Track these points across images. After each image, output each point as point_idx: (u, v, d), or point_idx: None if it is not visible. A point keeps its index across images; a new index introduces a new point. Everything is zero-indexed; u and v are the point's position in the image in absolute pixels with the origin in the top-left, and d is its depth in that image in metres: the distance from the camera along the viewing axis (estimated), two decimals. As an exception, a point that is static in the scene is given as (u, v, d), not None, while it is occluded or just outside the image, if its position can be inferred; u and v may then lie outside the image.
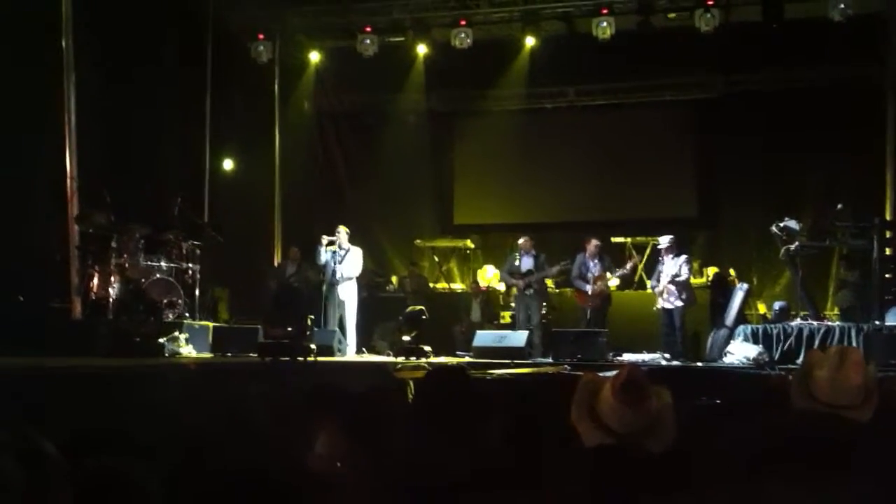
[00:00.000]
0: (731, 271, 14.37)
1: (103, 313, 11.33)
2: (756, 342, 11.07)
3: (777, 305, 12.72)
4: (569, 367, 10.08)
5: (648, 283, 12.95)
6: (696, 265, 13.72)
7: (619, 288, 13.50)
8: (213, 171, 15.18)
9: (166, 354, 10.64)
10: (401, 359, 11.52)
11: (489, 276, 15.02)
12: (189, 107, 14.63)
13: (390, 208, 17.10)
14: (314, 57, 16.48)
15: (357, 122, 17.52)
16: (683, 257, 12.11)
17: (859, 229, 11.68)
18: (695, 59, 15.24)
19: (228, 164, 16.02)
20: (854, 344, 10.46)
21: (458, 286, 15.76)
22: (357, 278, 13.02)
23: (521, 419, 2.85)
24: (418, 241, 16.39)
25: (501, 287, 14.49)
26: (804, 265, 11.98)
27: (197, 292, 12.72)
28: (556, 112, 16.79)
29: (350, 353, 12.53)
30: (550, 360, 11.41)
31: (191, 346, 11.33)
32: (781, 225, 11.97)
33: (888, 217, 13.24)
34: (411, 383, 6.35)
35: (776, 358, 10.74)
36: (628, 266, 13.07)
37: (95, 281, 11.59)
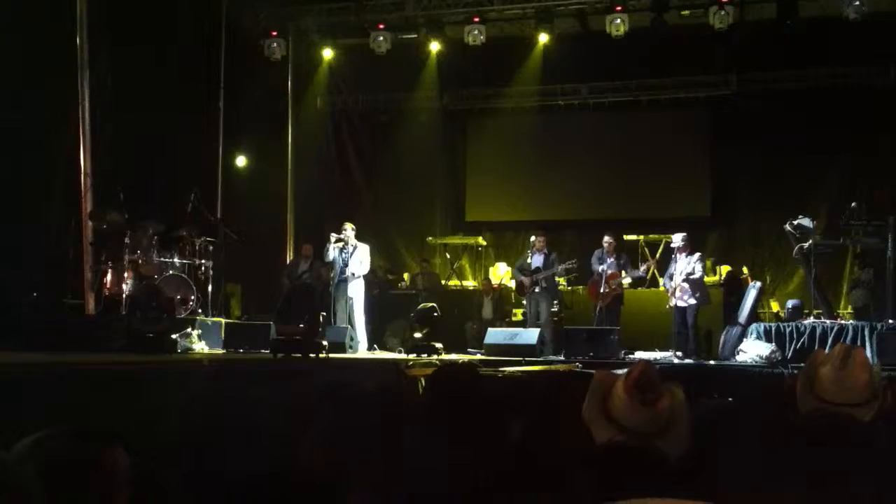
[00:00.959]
0: (745, 269, 14.33)
1: (117, 310, 11.37)
2: (769, 341, 11.03)
3: (790, 304, 12.67)
4: (581, 366, 10.07)
5: (661, 282, 12.92)
6: (709, 263, 13.68)
7: (631, 286, 13.46)
8: (227, 168, 15.25)
9: (179, 351, 10.69)
10: (412, 356, 11.53)
11: (501, 273, 15.03)
12: (203, 104, 14.67)
13: (403, 206, 17.12)
14: (327, 54, 16.49)
15: (370, 119, 17.55)
16: (697, 255, 12.07)
17: (874, 228, 11.61)
18: (709, 57, 15.21)
19: (242, 162, 16.07)
20: (867, 343, 10.41)
21: (469, 284, 15.77)
22: (364, 275, 13.02)
23: (533, 418, 2.85)
24: (430, 238, 16.40)
25: (513, 284, 14.49)
26: (818, 264, 11.92)
27: (210, 289, 12.76)
28: (568, 110, 16.76)
29: (362, 349, 12.54)
30: (562, 358, 11.39)
31: (203, 343, 11.38)
32: (795, 223, 11.92)
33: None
34: (422, 380, 6.36)
35: (789, 356, 10.70)
36: (642, 269, 13.03)
37: (109, 277, 11.65)
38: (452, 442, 2.31)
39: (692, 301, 11.81)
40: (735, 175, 16.04)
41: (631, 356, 11.49)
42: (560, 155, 16.64)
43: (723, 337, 12.07)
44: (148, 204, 12.24)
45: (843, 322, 11.42)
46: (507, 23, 15.69)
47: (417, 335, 12.13)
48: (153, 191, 12.77)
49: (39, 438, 1.85)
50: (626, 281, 12.94)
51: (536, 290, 12.75)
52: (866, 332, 10.68)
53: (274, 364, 10.37)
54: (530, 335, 11.97)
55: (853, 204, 11.70)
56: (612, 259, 12.60)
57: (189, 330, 11.21)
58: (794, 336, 11.00)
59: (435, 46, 15.81)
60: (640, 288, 13.83)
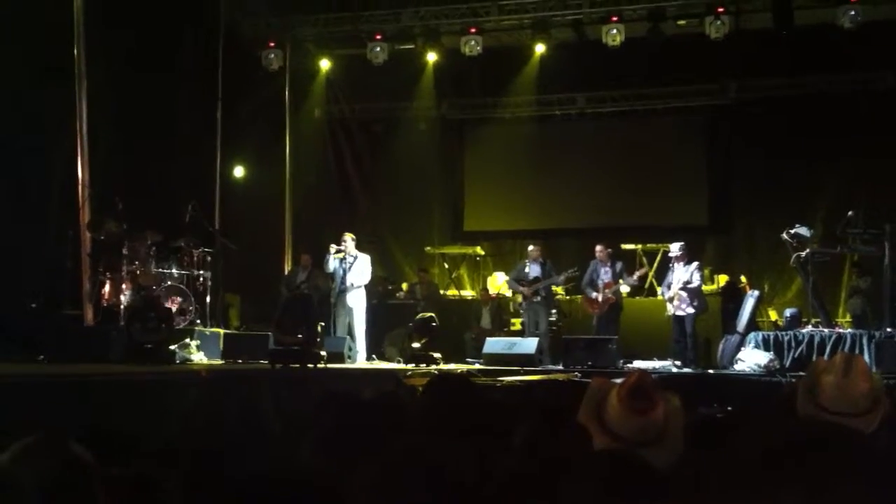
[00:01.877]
0: (743, 278, 14.34)
1: (115, 320, 11.36)
2: (767, 349, 11.04)
3: (788, 312, 12.68)
4: (579, 375, 10.07)
5: (659, 291, 12.92)
6: (707, 272, 13.69)
7: (629, 295, 13.46)
8: (225, 178, 15.24)
9: (178, 361, 10.67)
10: (411, 366, 11.52)
11: (499, 283, 15.03)
12: (200, 114, 14.68)
13: (401, 215, 17.14)
14: (324, 65, 16.53)
15: (367, 129, 17.59)
16: (695, 264, 12.07)
17: (871, 236, 11.62)
18: (705, 67, 15.24)
19: (239, 172, 16.09)
20: (865, 351, 10.42)
21: (468, 293, 15.77)
22: (365, 286, 13.01)
23: (532, 427, 2.86)
24: (429, 247, 16.41)
25: (511, 294, 14.49)
26: (815, 272, 11.92)
27: (208, 299, 12.75)
28: (565, 119, 16.83)
29: (360, 360, 12.53)
30: (561, 367, 11.39)
31: (202, 353, 11.37)
32: (792, 232, 11.94)
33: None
34: (420, 390, 6.36)
35: (787, 365, 10.71)
36: (636, 275, 13.03)
37: (107, 288, 11.64)
38: (446, 450, 2.31)
39: (690, 310, 11.82)
40: (732, 183, 16.08)
41: (629, 365, 11.49)
42: (557, 164, 16.67)
43: (721, 345, 12.07)
44: (146, 214, 12.23)
45: (841, 330, 11.42)
46: (504, 33, 15.72)
47: (416, 345, 12.11)
48: (151, 201, 12.77)
49: (19, 445, 1.86)
50: (625, 289, 12.93)
51: (536, 299, 12.74)
52: (864, 341, 10.70)
53: (272, 374, 10.36)
54: (529, 344, 11.97)
55: (850, 212, 11.72)
56: (606, 268, 12.59)
57: (187, 340, 11.20)
58: (793, 344, 11.01)
59: (432, 56, 15.84)
60: (638, 297, 13.82)
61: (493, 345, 12.17)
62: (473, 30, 14.93)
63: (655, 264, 13.72)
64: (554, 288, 13.56)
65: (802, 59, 14.71)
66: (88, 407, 6.15)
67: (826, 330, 11.36)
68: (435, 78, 16.31)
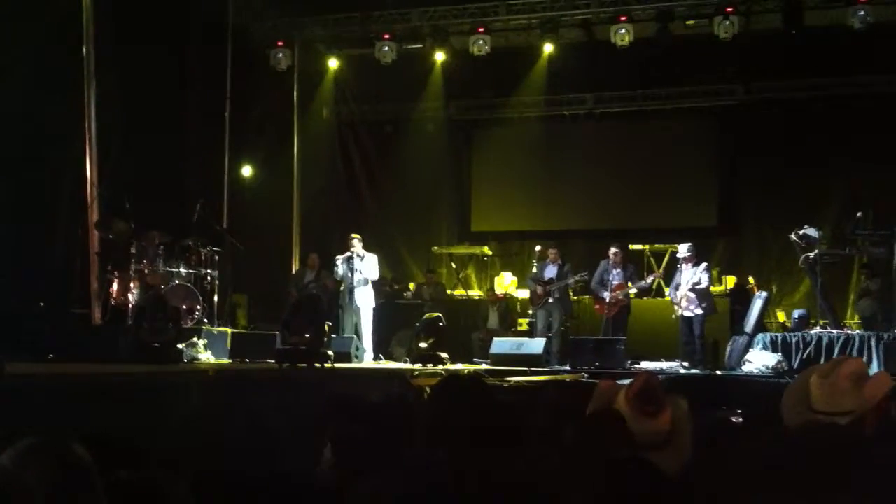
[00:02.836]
0: (751, 279, 14.31)
1: (123, 319, 11.40)
2: (775, 350, 11.01)
3: (797, 314, 12.64)
4: (587, 375, 10.05)
5: (667, 292, 12.89)
6: (715, 273, 13.65)
7: (637, 296, 13.43)
8: (233, 177, 15.26)
9: (185, 360, 10.69)
10: (418, 366, 11.51)
11: (506, 283, 15.02)
12: (209, 114, 14.71)
13: (408, 215, 17.13)
14: (333, 64, 16.53)
15: (376, 129, 17.58)
16: (703, 265, 12.03)
17: (880, 237, 11.58)
18: (714, 67, 15.23)
19: (248, 171, 16.10)
20: (874, 353, 10.38)
21: (475, 293, 15.76)
22: (373, 283, 13.00)
23: (541, 426, 2.85)
24: (436, 248, 16.41)
25: (519, 294, 14.46)
26: (824, 273, 11.89)
27: (216, 299, 12.77)
28: (574, 120, 16.80)
29: (367, 359, 12.53)
30: (568, 368, 11.38)
31: (209, 353, 11.39)
32: (801, 233, 11.89)
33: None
34: (428, 390, 6.35)
35: (795, 366, 10.65)
36: (649, 279, 13.00)
37: (115, 287, 11.67)
38: (457, 451, 2.30)
39: (698, 311, 11.78)
40: (741, 184, 16.04)
41: (637, 366, 11.47)
42: (565, 165, 16.65)
43: (729, 346, 12.02)
44: (154, 213, 12.26)
45: (849, 332, 11.39)
46: (512, 33, 15.71)
47: (423, 345, 12.09)
48: (160, 200, 12.80)
49: (20, 446, 1.87)
50: (633, 291, 12.90)
51: (550, 300, 12.72)
52: (872, 342, 10.65)
53: (279, 374, 10.37)
54: (536, 345, 11.96)
55: (859, 213, 11.67)
56: (618, 270, 12.57)
57: (195, 340, 11.23)
58: (801, 346, 10.98)
59: (440, 56, 15.84)
60: (646, 298, 13.79)
61: (501, 345, 12.16)
62: (482, 30, 14.91)
63: (663, 265, 13.68)
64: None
65: (812, 61, 14.67)
66: (96, 406, 6.16)
67: (834, 331, 11.33)
68: (443, 78, 16.29)
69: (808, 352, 10.86)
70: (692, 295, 11.77)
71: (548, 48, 15.30)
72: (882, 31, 13.54)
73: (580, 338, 12.36)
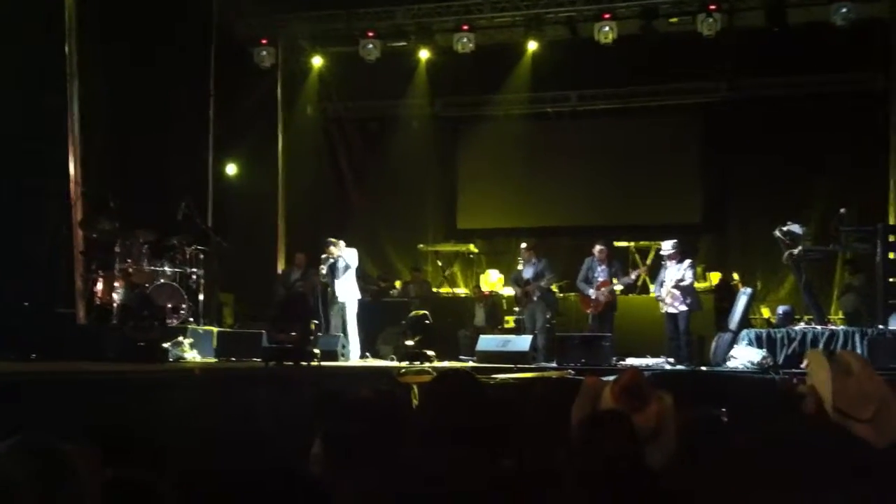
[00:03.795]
0: (735, 276, 14.37)
1: (108, 319, 11.34)
2: (760, 346, 11.05)
3: (781, 310, 12.69)
4: (573, 372, 10.07)
5: (652, 289, 12.93)
6: (700, 270, 13.70)
7: (623, 293, 13.47)
8: (217, 176, 15.23)
9: (171, 359, 10.65)
10: (405, 363, 11.51)
11: (493, 280, 15.03)
12: (193, 112, 14.66)
13: (394, 213, 17.12)
14: (317, 62, 16.51)
15: (361, 127, 17.58)
16: (687, 262, 12.07)
17: (863, 233, 11.64)
18: (698, 64, 15.27)
19: (232, 170, 16.06)
20: (858, 348, 10.45)
21: (461, 291, 15.78)
22: (357, 277, 12.95)
23: (531, 424, 2.86)
24: (422, 245, 16.42)
25: (505, 292, 14.49)
26: (808, 269, 11.95)
27: (201, 297, 12.74)
28: (558, 117, 16.83)
29: (354, 357, 12.53)
30: (555, 365, 11.40)
31: (195, 352, 11.34)
32: (785, 229, 11.93)
33: (892, 221, 13.21)
34: (415, 388, 6.35)
35: (780, 362, 10.72)
36: (633, 275, 13.04)
37: (100, 286, 11.61)
38: (451, 447, 2.31)
39: (683, 307, 11.82)
40: (726, 181, 16.12)
41: (623, 363, 11.51)
42: (551, 162, 16.68)
43: (714, 343, 12.07)
44: (139, 212, 12.21)
45: (833, 327, 11.45)
46: (497, 30, 15.71)
47: (409, 343, 12.10)
48: (144, 199, 12.75)
49: (12, 443, 1.87)
50: (618, 288, 12.93)
51: (534, 298, 12.71)
52: (857, 338, 10.72)
53: (266, 372, 10.36)
54: (522, 342, 11.96)
55: (843, 210, 11.73)
56: (603, 267, 12.59)
57: (180, 338, 11.17)
58: (786, 342, 11.02)
59: (424, 54, 15.84)
60: (632, 294, 13.83)
61: (487, 342, 12.16)
62: (466, 27, 14.93)
63: (648, 262, 13.74)
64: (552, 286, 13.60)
65: (795, 58, 14.73)
66: (81, 405, 6.14)
67: (819, 327, 11.38)
68: (428, 76, 16.30)
69: (792, 347, 10.90)
70: (677, 292, 11.81)
71: (532, 46, 15.34)
72: (864, 28, 13.63)
73: (566, 334, 12.39)
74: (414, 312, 12.66)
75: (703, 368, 11.46)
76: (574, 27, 15.44)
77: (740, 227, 15.78)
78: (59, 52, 11.67)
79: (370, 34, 15.27)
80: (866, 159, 14.30)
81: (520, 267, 13.07)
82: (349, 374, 11.09)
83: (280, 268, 15.19)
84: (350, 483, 2.20)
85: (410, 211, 17.17)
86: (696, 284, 12.63)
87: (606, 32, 14.18)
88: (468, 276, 16.35)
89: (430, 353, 11.86)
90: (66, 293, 11.68)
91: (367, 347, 13.16)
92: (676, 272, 11.90)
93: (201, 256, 12.83)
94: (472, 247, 16.24)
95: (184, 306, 12.10)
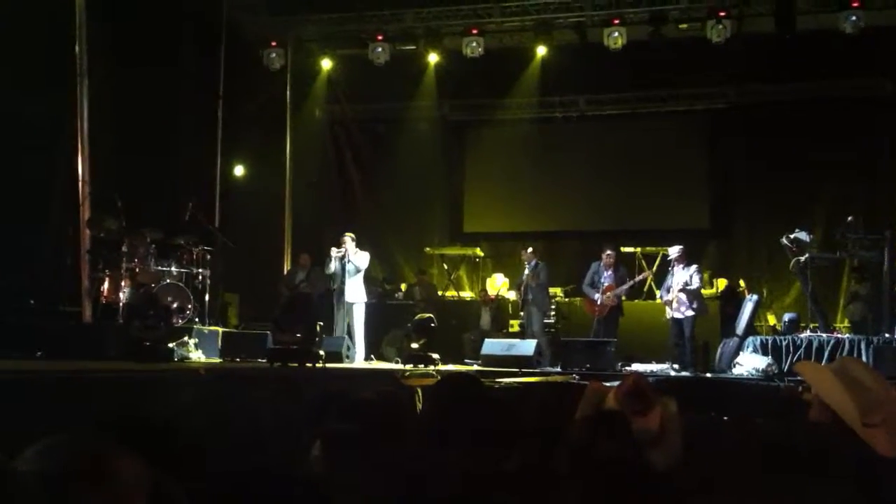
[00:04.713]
0: (742, 282, 14.34)
1: (114, 318, 11.36)
2: (765, 353, 11.03)
3: (787, 317, 12.68)
4: (577, 377, 10.06)
5: (658, 293, 12.92)
6: (706, 276, 13.69)
7: (628, 298, 13.46)
8: (225, 177, 15.26)
9: (176, 359, 10.66)
10: (409, 366, 11.50)
11: (498, 284, 15.02)
12: (201, 113, 14.69)
13: (401, 216, 17.13)
14: (326, 64, 16.52)
15: (368, 129, 17.59)
16: (694, 267, 12.06)
17: (870, 241, 11.62)
18: (707, 70, 15.26)
19: (240, 171, 16.09)
20: (864, 356, 10.41)
21: (467, 294, 15.77)
22: (364, 280, 12.97)
23: (538, 430, 2.85)
24: (428, 248, 16.42)
25: (511, 296, 14.48)
26: (814, 277, 11.93)
27: (207, 298, 12.75)
28: (566, 121, 16.83)
29: (358, 359, 12.53)
30: (559, 370, 11.40)
31: (200, 352, 11.36)
32: (792, 236, 11.93)
33: (900, 229, 13.18)
34: (419, 391, 6.35)
35: (785, 370, 10.70)
36: (638, 278, 13.03)
37: (106, 285, 11.63)
38: (454, 449, 2.31)
39: (689, 312, 11.81)
40: (733, 187, 16.10)
41: (627, 368, 11.49)
42: (558, 166, 16.68)
43: (719, 349, 12.06)
44: (146, 212, 12.23)
45: (839, 335, 11.42)
46: (506, 34, 15.71)
47: (414, 345, 12.10)
48: (151, 199, 12.78)
49: (45, 445, 1.85)
50: (622, 293, 12.92)
51: (528, 298, 12.73)
52: (862, 346, 10.69)
53: (270, 373, 10.35)
54: (527, 346, 11.96)
55: (850, 217, 11.71)
56: (609, 272, 12.59)
57: (186, 338, 11.19)
58: (791, 349, 11.01)
59: (433, 58, 15.85)
60: (637, 300, 13.82)
61: (492, 346, 12.17)
62: (475, 31, 14.93)
63: (654, 267, 13.72)
64: (551, 290, 13.58)
65: (804, 64, 14.71)
66: (86, 404, 6.14)
67: (824, 335, 11.36)
68: (436, 79, 16.31)
69: (798, 355, 10.89)
70: (683, 296, 11.80)
71: (541, 50, 15.34)
72: (874, 35, 13.60)
73: (571, 339, 12.39)
74: (419, 315, 12.65)
75: (708, 375, 11.45)
76: (583, 32, 15.44)
77: (747, 233, 15.77)
78: (69, 53, 11.70)
79: (379, 37, 15.28)
80: (874, 166, 14.26)
81: (526, 271, 13.09)
82: (353, 375, 11.08)
83: (285, 268, 15.20)
84: (350, 484, 2.19)
85: (417, 213, 17.19)
86: (703, 291, 12.61)
87: (616, 38, 14.18)
88: (474, 279, 16.34)
89: (435, 356, 11.85)
90: (71, 292, 11.71)
91: (372, 350, 13.17)
92: (683, 276, 11.88)
93: (208, 257, 12.85)
94: (478, 250, 16.23)
95: (189, 306, 12.11)
